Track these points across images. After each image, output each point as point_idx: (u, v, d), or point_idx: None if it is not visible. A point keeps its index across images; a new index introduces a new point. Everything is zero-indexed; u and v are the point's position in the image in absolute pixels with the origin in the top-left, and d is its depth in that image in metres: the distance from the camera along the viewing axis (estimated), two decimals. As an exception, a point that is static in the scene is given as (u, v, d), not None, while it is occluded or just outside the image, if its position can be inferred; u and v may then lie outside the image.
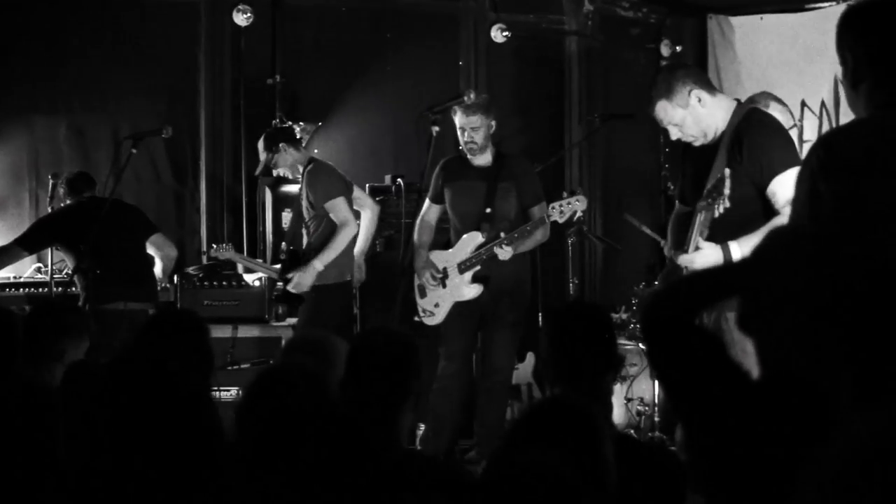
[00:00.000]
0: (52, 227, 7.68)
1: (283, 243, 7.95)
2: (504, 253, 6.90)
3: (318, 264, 7.44)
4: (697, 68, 6.47)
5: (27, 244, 7.61)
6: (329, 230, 7.51)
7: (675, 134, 5.26)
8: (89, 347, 4.93)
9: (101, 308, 7.14)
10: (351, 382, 3.70)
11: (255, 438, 2.93)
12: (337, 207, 7.48)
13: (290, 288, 7.55)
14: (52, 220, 7.78)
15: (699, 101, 5.15)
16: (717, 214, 4.90)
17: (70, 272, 7.53)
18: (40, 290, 8.20)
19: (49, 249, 7.92)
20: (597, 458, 2.69)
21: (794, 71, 9.15)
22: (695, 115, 5.16)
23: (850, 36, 3.21)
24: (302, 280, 7.48)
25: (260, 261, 8.44)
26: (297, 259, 7.66)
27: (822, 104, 8.90)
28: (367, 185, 8.59)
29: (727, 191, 4.87)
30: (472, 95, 6.98)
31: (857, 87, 3.17)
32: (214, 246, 8.12)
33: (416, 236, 7.33)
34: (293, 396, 2.98)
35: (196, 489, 2.43)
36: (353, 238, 7.60)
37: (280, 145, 7.59)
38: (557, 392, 3.69)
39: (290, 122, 9.00)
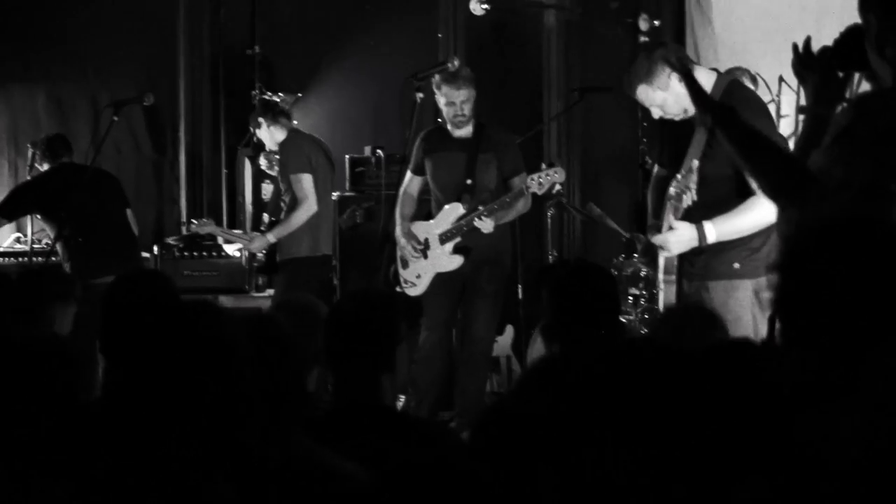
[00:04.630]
0: (30, 193, 7.63)
1: (265, 214, 7.98)
2: (485, 225, 6.94)
3: (271, 237, 7.53)
4: (675, 45, 6.43)
5: (5, 211, 7.55)
6: (293, 205, 7.54)
7: (657, 114, 5.29)
8: (77, 323, 4.93)
9: (92, 283, 6.67)
10: (332, 344, 3.72)
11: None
12: (300, 183, 7.49)
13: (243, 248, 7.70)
14: (31, 187, 7.74)
15: (679, 80, 5.17)
16: (685, 205, 4.98)
17: (51, 241, 7.49)
18: (20, 259, 8.20)
19: (29, 219, 7.89)
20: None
21: (772, 46, 9.17)
22: (675, 95, 5.17)
23: None
24: (251, 245, 7.60)
25: (239, 231, 8.45)
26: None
27: (800, 80, 8.92)
28: (347, 157, 8.61)
29: (693, 185, 4.94)
30: (456, 62, 6.99)
31: (883, 51, 3.03)
32: (195, 221, 8.11)
33: (398, 208, 7.35)
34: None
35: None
36: (317, 215, 7.59)
37: (259, 120, 7.65)
38: (556, 350, 3.68)
39: (269, 94, 9.01)
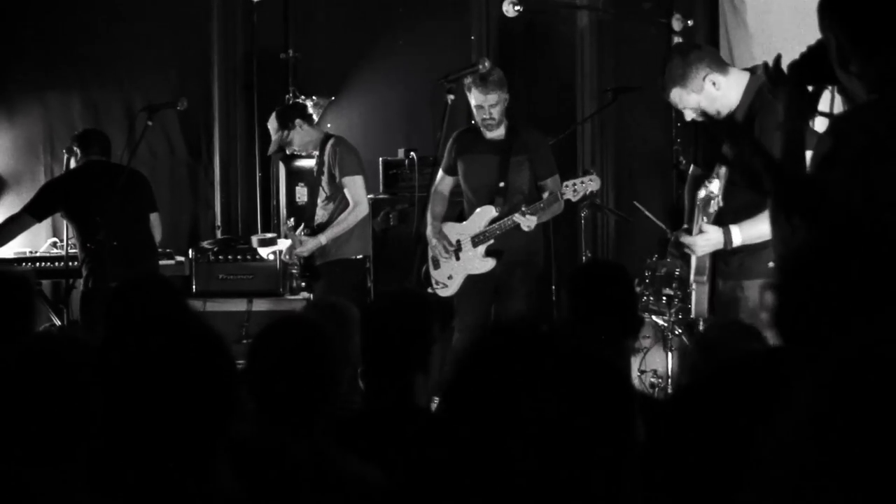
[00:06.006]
0: (56, 190, 7.57)
1: (302, 223, 7.97)
2: (527, 221, 6.93)
3: (323, 238, 7.53)
4: (709, 48, 6.41)
5: (33, 210, 7.49)
6: (342, 207, 7.56)
7: (690, 116, 5.33)
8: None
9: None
10: (367, 344, 3.72)
11: (259, 374, 3.01)
12: (355, 185, 7.54)
13: (293, 249, 7.64)
14: (57, 184, 7.72)
15: (713, 84, 5.20)
16: (712, 210, 5.02)
17: (90, 245, 7.32)
18: (56, 264, 8.24)
19: (65, 224, 7.90)
20: (624, 413, 2.69)
21: (806, 48, 9.12)
22: (709, 99, 5.22)
23: (831, 15, 3.06)
24: (302, 247, 7.55)
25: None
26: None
27: (834, 82, 8.88)
28: (381, 159, 8.63)
29: (720, 193, 4.99)
30: (487, 64, 6.99)
31: (847, 67, 3.03)
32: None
33: (429, 207, 7.35)
34: (297, 338, 3.07)
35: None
36: (366, 217, 7.66)
37: (296, 122, 7.60)
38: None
39: (302, 97, 9.03)
